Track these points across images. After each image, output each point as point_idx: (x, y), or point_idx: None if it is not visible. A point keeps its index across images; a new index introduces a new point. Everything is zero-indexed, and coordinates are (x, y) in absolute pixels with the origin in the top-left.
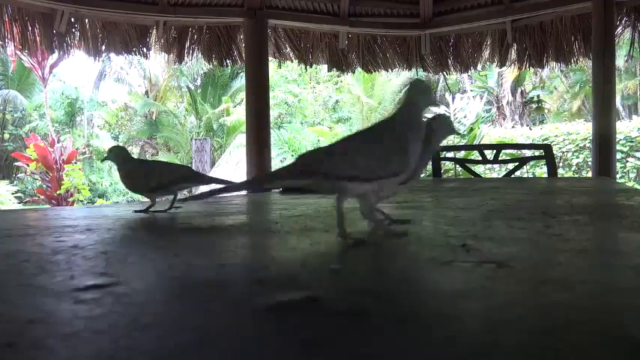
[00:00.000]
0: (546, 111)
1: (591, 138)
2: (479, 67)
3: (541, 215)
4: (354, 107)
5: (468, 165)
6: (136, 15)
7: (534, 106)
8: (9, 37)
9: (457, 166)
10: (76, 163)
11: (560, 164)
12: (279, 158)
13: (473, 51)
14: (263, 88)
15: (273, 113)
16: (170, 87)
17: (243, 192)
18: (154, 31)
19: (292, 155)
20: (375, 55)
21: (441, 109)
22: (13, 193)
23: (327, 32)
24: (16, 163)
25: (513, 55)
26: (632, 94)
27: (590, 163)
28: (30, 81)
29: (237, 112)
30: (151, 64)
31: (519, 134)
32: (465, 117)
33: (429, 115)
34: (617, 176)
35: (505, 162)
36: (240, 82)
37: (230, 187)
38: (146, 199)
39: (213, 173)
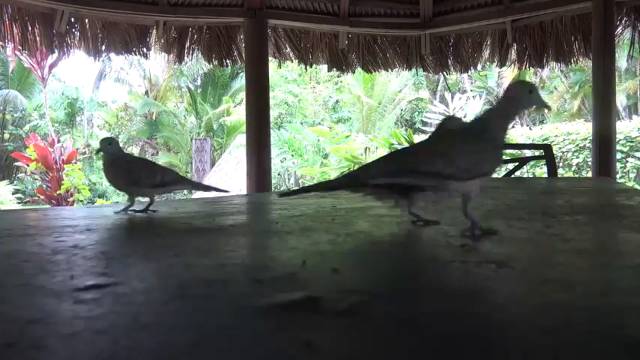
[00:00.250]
0: (546, 111)
1: (591, 138)
2: (479, 67)
3: (541, 215)
4: (354, 107)
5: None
6: (136, 15)
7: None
8: (9, 37)
9: None
10: (76, 163)
11: (560, 164)
12: (279, 158)
13: (473, 51)
14: (263, 88)
15: (273, 113)
16: (170, 87)
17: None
18: (154, 31)
19: (292, 155)
20: (375, 55)
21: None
22: (13, 194)
23: (327, 32)
24: (16, 163)
25: (513, 55)
26: (632, 94)
27: (590, 163)
28: (30, 81)
29: (237, 112)
30: (151, 64)
31: (519, 134)
32: (464, 117)
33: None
34: (617, 176)
35: (505, 162)
36: (240, 82)
37: (330, 185)
38: (143, 199)
39: (213, 173)
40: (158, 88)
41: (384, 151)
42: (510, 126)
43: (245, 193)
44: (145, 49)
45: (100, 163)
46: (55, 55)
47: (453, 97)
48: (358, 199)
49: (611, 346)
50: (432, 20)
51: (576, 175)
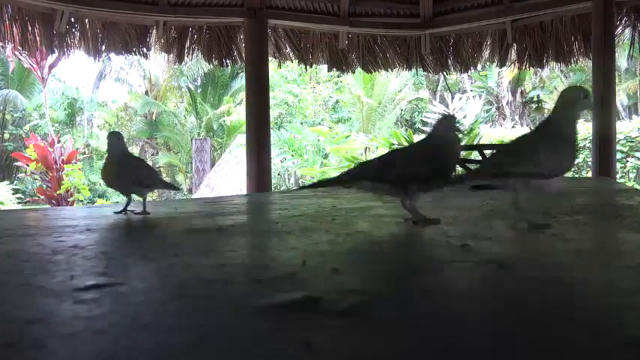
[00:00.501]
0: (546, 111)
1: (591, 138)
2: (479, 67)
3: (541, 215)
4: (354, 107)
5: (468, 165)
6: (136, 15)
7: (534, 106)
8: (9, 37)
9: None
10: (75, 163)
11: None
12: (279, 158)
13: (473, 51)
14: (263, 88)
15: (273, 113)
16: (170, 87)
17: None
18: (154, 31)
19: (292, 155)
20: (375, 55)
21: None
22: (13, 194)
23: (327, 32)
24: (16, 163)
25: (513, 55)
26: (632, 94)
27: (590, 163)
28: (30, 81)
29: (237, 112)
30: (151, 64)
31: (519, 134)
32: (464, 117)
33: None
34: (617, 176)
35: None
36: (240, 82)
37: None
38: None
39: (213, 173)
40: (158, 88)
41: (384, 151)
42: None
43: (245, 193)
44: (145, 49)
45: (100, 163)
46: (55, 55)
47: (453, 98)
48: (358, 199)
49: (611, 345)
50: (432, 20)
51: (576, 175)
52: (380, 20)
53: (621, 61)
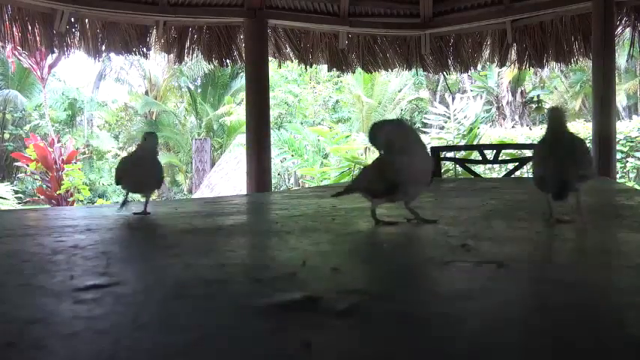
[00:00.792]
0: (546, 111)
1: (591, 138)
2: (479, 67)
3: (541, 215)
4: (354, 107)
5: (468, 165)
6: (136, 15)
7: (534, 106)
8: (9, 37)
9: (457, 166)
10: (75, 163)
11: None
12: (279, 158)
13: (473, 51)
14: (263, 88)
15: (273, 113)
16: (170, 87)
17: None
18: (154, 31)
19: (292, 155)
20: (375, 55)
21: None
22: (13, 194)
23: (327, 32)
24: (16, 163)
25: (513, 55)
26: (632, 94)
27: None
28: (30, 81)
29: (237, 112)
30: (151, 64)
31: (519, 134)
32: (465, 117)
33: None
34: (617, 176)
35: (505, 162)
36: (240, 82)
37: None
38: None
39: (213, 173)
40: (158, 88)
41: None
42: None
43: (245, 193)
44: (145, 49)
45: (100, 163)
46: (55, 55)
47: (453, 98)
48: (358, 199)
49: (611, 346)
50: (432, 20)
51: None
52: (380, 20)
53: (621, 61)
